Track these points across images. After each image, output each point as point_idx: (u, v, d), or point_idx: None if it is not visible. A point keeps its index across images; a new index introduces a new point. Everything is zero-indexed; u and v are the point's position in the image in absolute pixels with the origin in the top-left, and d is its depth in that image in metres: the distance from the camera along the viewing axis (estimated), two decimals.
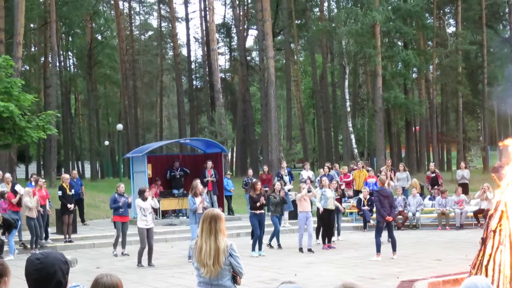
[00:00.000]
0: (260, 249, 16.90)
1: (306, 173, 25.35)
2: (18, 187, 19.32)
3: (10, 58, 23.03)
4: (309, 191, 17.58)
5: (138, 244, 15.92)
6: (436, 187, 23.80)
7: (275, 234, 18.03)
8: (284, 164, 26.79)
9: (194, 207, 15.61)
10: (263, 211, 17.39)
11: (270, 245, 18.13)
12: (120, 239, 17.54)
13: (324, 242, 18.14)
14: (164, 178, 24.83)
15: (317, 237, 18.92)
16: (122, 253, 17.52)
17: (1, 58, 22.45)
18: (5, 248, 17.37)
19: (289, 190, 24.53)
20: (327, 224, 18.23)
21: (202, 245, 5.97)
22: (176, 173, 24.76)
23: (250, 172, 27.70)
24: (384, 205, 15.55)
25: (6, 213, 17.70)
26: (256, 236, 16.92)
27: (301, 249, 17.30)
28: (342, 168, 26.61)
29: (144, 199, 15.77)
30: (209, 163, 24.46)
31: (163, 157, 28.89)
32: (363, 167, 25.70)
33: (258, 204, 17.04)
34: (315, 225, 19.15)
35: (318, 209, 18.34)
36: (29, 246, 18.36)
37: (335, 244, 18.40)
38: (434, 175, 24.92)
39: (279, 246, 18.12)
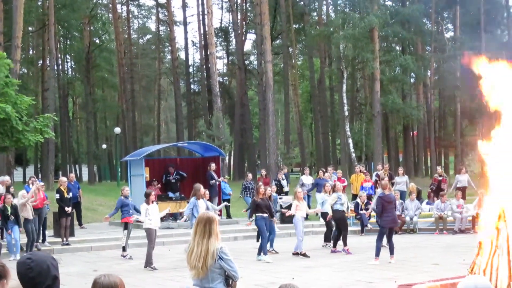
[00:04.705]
0: (265, 253, 16.33)
1: (307, 178, 25.31)
2: (15, 200, 18.93)
3: (6, 56, 22.78)
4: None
5: (138, 247, 15.79)
6: (441, 192, 23.37)
7: (268, 240, 17.06)
8: (286, 169, 26.77)
9: (188, 212, 15.86)
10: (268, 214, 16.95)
11: (274, 251, 17.60)
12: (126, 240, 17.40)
13: (335, 245, 17.82)
14: (161, 182, 24.77)
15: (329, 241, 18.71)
16: (122, 255, 17.43)
17: None
18: (4, 250, 17.32)
19: (286, 193, 24.55)
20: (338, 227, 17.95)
21: (194, 248, 5.97)
22: (171, 178, 24.66)
23: (250, 176, 27.10)
24: (388, 210, 15.43)
25: None
26: (265, 238, 16.51)
27: (305, 254, 16.83)
28: (337, 172, 26.52)
29: (149, 202, 15.76)
30: (213, 165, 24.37)
31: (160, 160, 28.88)
32: (360, 171, 25.61)
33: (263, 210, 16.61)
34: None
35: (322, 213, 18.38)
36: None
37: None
38: (441, 178, 24.91)
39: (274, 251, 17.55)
